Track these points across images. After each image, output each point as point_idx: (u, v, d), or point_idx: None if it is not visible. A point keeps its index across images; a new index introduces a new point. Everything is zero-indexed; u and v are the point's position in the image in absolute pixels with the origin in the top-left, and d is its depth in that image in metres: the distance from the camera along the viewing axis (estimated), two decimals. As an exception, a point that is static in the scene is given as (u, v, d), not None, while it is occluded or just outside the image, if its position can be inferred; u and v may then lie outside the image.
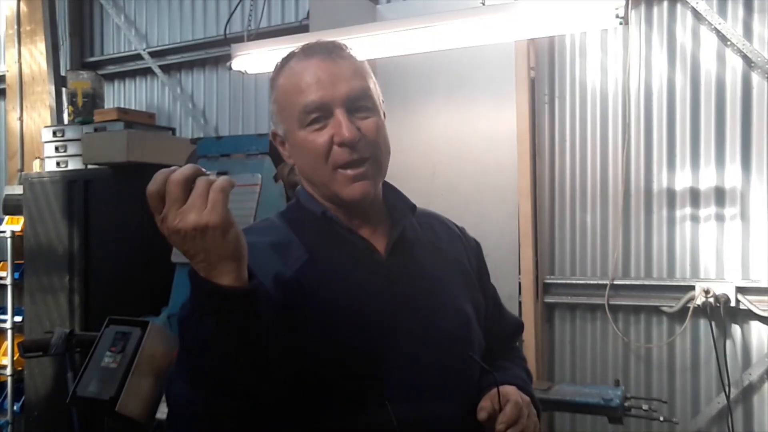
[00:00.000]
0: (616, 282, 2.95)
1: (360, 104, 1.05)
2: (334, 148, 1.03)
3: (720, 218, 2.80)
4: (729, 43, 2.78)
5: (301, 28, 3.58)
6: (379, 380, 1.01)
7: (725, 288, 2.73)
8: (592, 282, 3.01)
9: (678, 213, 2.87)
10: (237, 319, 0.85)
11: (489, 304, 1.25)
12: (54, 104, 4.47)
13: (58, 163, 3.83)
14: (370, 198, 1.08)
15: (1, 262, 4.37)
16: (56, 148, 3.85)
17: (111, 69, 4.56)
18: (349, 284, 1.05)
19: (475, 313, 1.16)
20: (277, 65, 1.11)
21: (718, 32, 2.79)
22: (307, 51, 1.08)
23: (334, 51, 1.07)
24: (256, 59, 2.79)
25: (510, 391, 1.07)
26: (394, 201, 1.17)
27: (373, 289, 1.06)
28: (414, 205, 1.18)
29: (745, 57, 2.76)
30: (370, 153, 1.05)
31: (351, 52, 1.10)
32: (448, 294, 1.14)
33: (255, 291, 0.87)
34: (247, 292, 0.86)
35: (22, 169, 4.54)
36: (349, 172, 1.04)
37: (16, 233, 4.10)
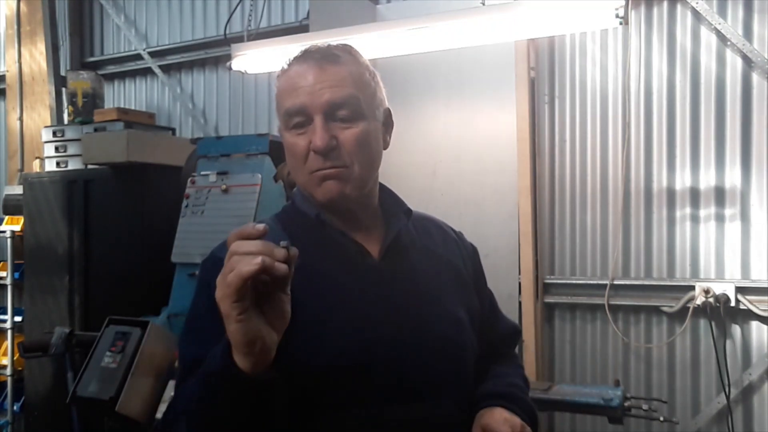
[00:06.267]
0: (616, 282, 2.95)
1: (341, 113, 1.05)
2: (310, 154, 1.05)
3: (720, 218, 2.80)
4: (729, 43, 2.78)
5: (301, 28, 3.58)
6: (369, 384, 1.01)
7: (725, 288, 2.73)
8: (592, 282, 3.01)
9: (678, 213, 2.87)
10: (227, 399, 0.87)
11: (485, 309, 1.25)
12: (54, 104, 4.48)
13: (58, 163, 3.83)
14: (342, 199, 1.07)
15: (1, 262, 4.37)
16: (56, 148, 3.85)
17: (111, 69, 4.56)
18: (340, 288, 1.05)
19: (468, 318, 1.16)
20: (283, 65, 1.12)
21: (718, 32, 2.79)
22: (304, 55, 1.09)
23: (328, 57, 1.07)
24: (256, 59, 2.79)
25: (497, 421, 1.07)
26: (390, 205, 1.17)
27: (364, 293, 1.06)
28: (409, 209, 1.18)
29: (745, 57, 2.76)
30: (344, 163, 1.05)
31: (351, 58, 1.10)
32: (441, 298, 1.14)
33: (250, 380, 0.85)
34: (242, 377, 0.85)
35: (22, 169, 4.54)
36: (320, 172, 1.05)
37: (16, 233, 4.10)
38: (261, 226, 0.82)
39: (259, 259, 0.79)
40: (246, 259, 0.79)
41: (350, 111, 1.06)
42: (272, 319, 0.84)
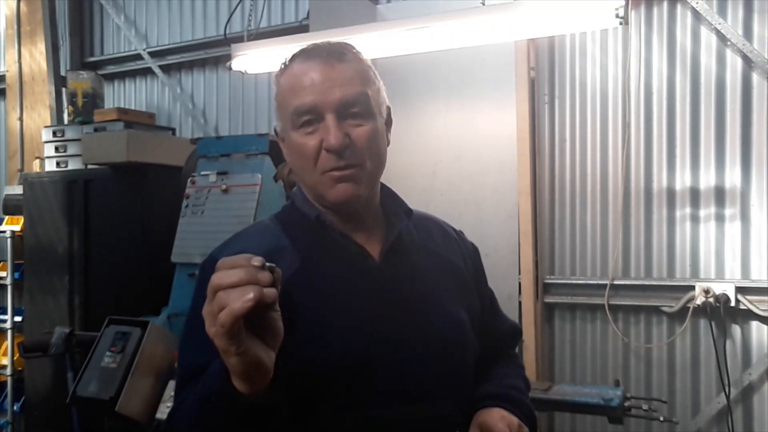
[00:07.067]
0: (616, 282, 2.95)
1: (353, 110, 1.04)
2: (322, 153, 1.03)
3: (720, 218, 2.80)
4: (729, 43, 2.78)
5: (301, 28, 3.58)
6: (369, 385, 1.01)
7: (725, 288, 2.73)
8: (592, 282, 3.01)
9: (678, 213, 2.87)
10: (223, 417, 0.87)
11: (485, 308, 1.25)
12: (54, 104, 4.48)
13: (58, 163, 3.83)
14: (356, 201, 1.06)
15: (1, 262, 4.37)
16: (56, 148, 3.85)
17: (111, 69, 4.56)
18: (340, 290, 1.05)
19: (469, 318, 1.16)
20: (282, 63, 1.11)
21: (718, 32, 2.79)
22: (309, 53, 1.07)
23: (334, 54, 1.06)
24: (256, 59, 2.79)
25: (494, 419, 1.07)
26: (390, 205, 1.16)
27: (365, 294, 1.05)
28: (410, 210, 1.17)
29: (745, 57, 2.76)
30: (358, 161, 1.04)
31: (355, 56, 1.09)
32: (442, 298, 1.13)
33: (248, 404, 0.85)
34: (245, 401, 0.84)
35: (22, 169, 4.55)
36: (335, 173, 1.04)
37: (16, 233, 4.10)
38: (258, 259, 0.80)
39: (251, 296, 0.76)
40: (234, 294, 0.76)
41: (361, 109, 1.04)
42: (266, 339, 0.82)
